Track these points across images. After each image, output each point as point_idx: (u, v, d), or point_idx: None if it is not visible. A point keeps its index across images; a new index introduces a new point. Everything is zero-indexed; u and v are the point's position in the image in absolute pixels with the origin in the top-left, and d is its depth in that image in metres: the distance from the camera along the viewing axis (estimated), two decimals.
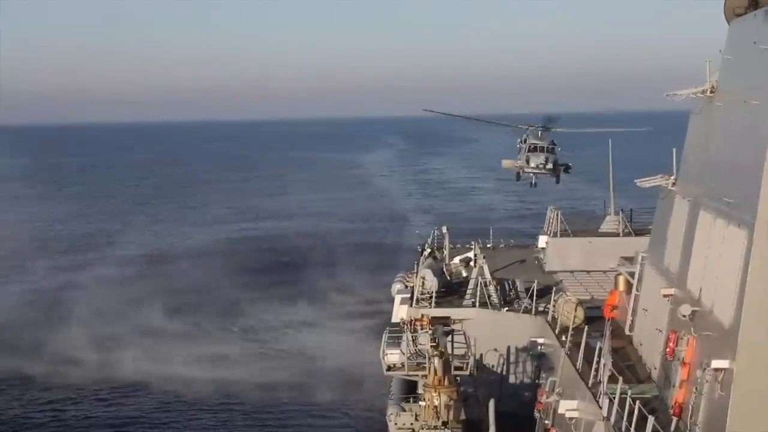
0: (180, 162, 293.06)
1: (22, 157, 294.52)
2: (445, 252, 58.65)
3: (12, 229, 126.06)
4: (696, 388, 27.39)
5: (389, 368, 39.93)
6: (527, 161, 61.54)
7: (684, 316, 29.24)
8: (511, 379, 46.21)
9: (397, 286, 53.04)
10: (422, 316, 41.18)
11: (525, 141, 62.53)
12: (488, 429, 36.84)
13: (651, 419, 26.05)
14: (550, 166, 61.46)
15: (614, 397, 28.93)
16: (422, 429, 37.21)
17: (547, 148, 61.76)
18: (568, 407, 33.62)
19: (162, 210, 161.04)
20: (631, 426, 27.02)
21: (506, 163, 64.97)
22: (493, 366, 45.96)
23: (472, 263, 52.31)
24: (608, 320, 36.16)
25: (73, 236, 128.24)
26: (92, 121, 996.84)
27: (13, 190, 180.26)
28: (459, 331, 41.59)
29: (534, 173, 62.19)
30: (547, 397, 37.62)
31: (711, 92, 32.30)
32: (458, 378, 38.37)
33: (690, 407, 27.52)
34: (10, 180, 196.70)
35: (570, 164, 63.93)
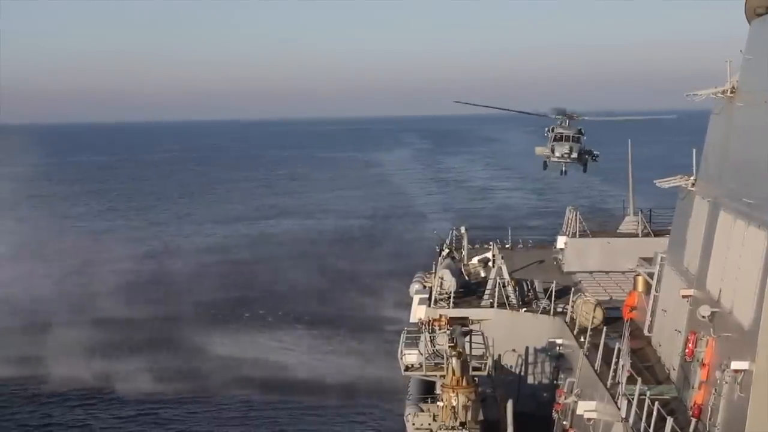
0: (198, 161, 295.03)
1: (45, 156, 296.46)
2: (464, 252, 58.58)
3: (45, 226, 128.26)
4: (715, 389, 27.26)
5: (407, 368, 39.94)
6: (552, 151, 62.11)
7: (703, 317, 29.09)
8: (530, 379, 46.13)
9: (415, 287, 53.03)
10: (440, 316, 41.10)
11: (552, 130, 63.03)
12: (506, 429, 36.84)
13: (670, 420, 25.96)
14: (574, 155, 61.87)
15: (633, 398, 28.85)
16: (440, 429, 37.18)
17: (573, 137, 62.19)
18: (586, 408, 33.57)
19: (184, 208, 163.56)
20: (649, 427, 26.93)
21: (539, 150, 65.40)
22: (511, 366, 45.90)
23: (490, 263, 52.26)
24: (627, 321, 36.08)
25: (97, 231, 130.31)
26: (91, 120, 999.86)
27: (36, 188, 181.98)
28: (477, 331, 41.54)
29: (559, 162, 62.82)
30: (565, 398, 37.57)
31: (731, 92, 32.11)
32: (476, 378, 38.32)
33: (709, 408, 27.38)
34: (35, 179, 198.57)
35: (597, 152, 64.09)
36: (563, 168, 63.46)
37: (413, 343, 40.13)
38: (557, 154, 61.75)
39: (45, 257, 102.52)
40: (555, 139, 62.20)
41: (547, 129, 63.94)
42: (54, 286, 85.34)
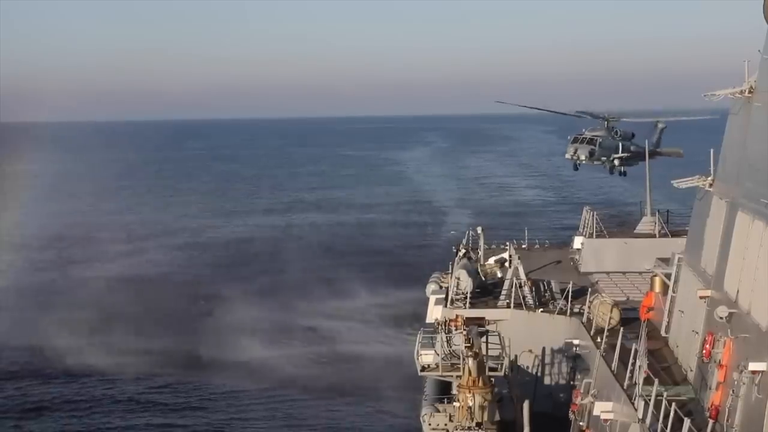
0: (226, 158, 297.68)
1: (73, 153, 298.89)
2: (480, 252, 58.50)
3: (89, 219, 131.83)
4: (733, 390, 27.20)
5: (423, 369, 39.93)
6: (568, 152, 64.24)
7: (721, 317, 29.04)
8: (546, 380, 46.06)
9: (431, 287, 52.95)
10: (457, 316, 40.97)
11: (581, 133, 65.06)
12: (522, 430, 36.80)
13: (687, 421, 25.91)
14: (583, 157, 63.43)
15: (650, 399, 28.79)
16: (456, 430, 37.14)
17: (589, 139, 63.38)
18: (603, 409, 33.48)
19: (215, 202, 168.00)
20: (666, 428, 26.87)
21: None
22: (527, 367, 45.84)
23: (507, 264, 52.21)
24: (644, 322, 36.05)
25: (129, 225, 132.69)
26: (100, 119, 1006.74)
27: (74, 185, 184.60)
28: (493, 331, 41.41)
29: (575, 162, 64.84)
30: (582, 399, 37.50)
31: (749, 92, 32.04)
32: (492, 379, 38.29)
33: (726, 410, 27.33)
34: (72, 175, 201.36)
35: (625, 156, 65.07)
36: (621, 169, 65.33)
37: (429, 343, 40.12)
38: (567, 155, 64.01)
39: None
40: (572, 141, 63.98)
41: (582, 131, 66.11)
42: None
